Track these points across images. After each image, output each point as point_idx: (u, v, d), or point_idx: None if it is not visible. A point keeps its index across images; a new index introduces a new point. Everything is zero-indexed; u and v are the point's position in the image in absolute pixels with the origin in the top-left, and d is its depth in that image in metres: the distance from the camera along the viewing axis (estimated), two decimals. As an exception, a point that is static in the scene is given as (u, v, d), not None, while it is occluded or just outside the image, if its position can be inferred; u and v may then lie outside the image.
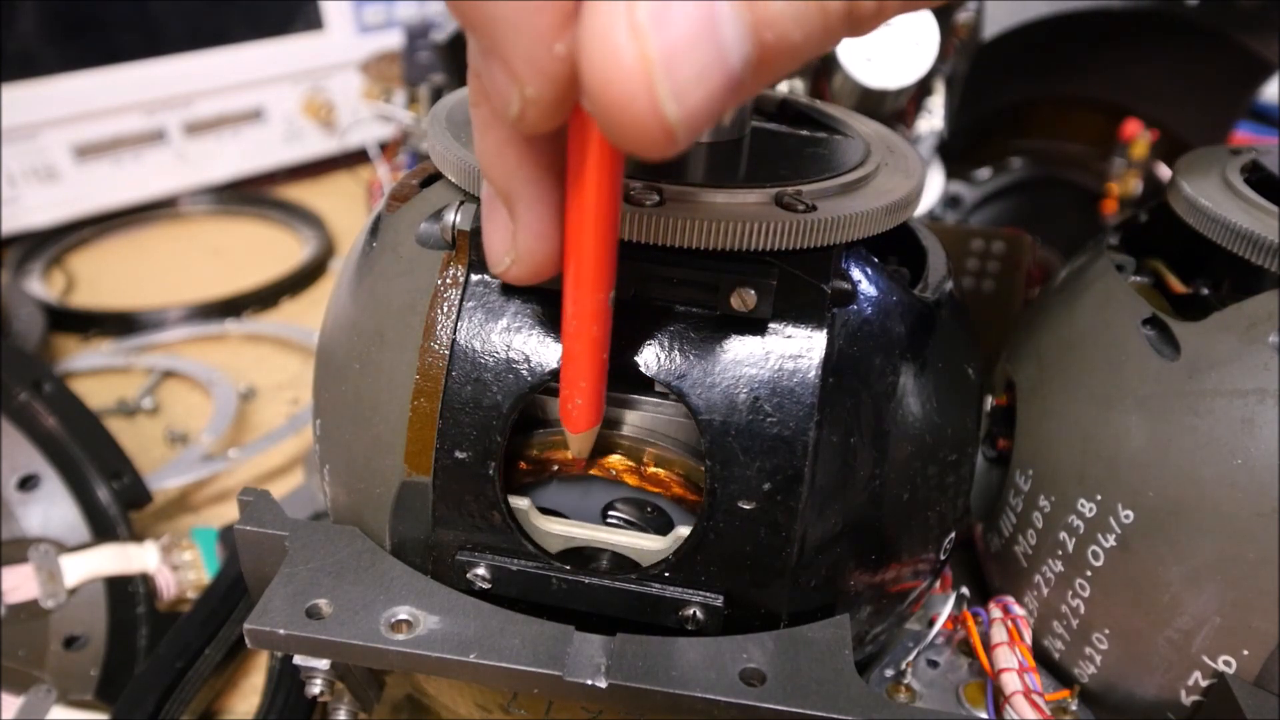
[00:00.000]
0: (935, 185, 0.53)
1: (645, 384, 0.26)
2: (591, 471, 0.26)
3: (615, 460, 0.26)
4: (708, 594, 0.25)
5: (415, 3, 0.91)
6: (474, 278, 0.25)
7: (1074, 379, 0.32)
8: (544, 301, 0.25)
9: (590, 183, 0.19)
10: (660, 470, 0.26)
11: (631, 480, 0.26)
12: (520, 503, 0.26)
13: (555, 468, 0.27)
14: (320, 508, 0.47)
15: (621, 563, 0.27)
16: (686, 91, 0.15)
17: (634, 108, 0.15)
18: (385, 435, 0.26)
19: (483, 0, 0.16)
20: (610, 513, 0.28)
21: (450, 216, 0.26)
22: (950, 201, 0.57)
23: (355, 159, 0.85)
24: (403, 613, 0.24)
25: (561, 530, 0.26)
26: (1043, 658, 0.33)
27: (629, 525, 0.27)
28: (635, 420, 0.27)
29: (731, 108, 0.16)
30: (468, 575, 0.26)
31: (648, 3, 0.14)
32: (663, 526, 0.27)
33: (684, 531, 0.26)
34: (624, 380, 0.26)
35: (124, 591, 0.40)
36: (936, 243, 0.32)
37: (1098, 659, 0.31)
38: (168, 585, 0.42)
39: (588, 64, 0.15)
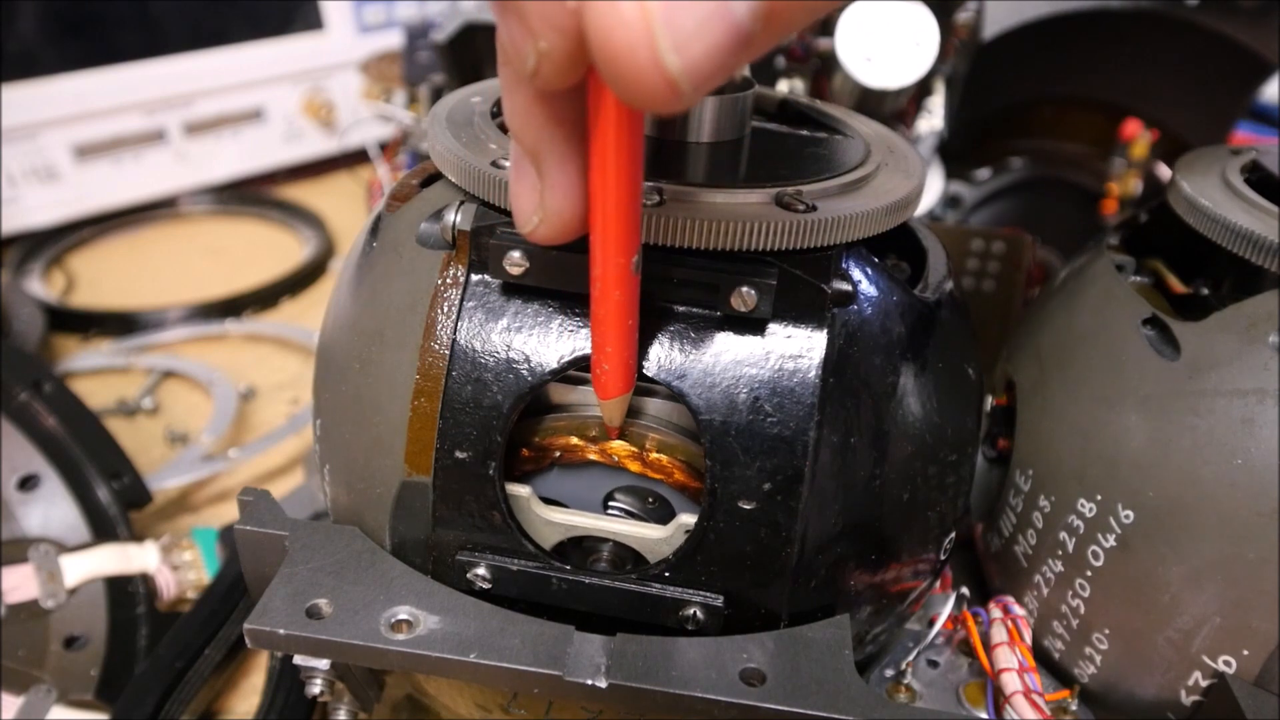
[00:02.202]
0: (935, 185, 0.53)
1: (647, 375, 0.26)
2: (593, 458, 0.26)
3: (617, 446, 0.26)
4: (708, 594, 0.25)
5: (415, 2, 0.91)
6: (474, 278, 0.25)
7: (1074, 379, 0.32)
8: (544, 301, 0.25)
9: (609, 144, 0.19)
10: (662, 456, 0.26)
11: (634, 466, 0.26)
12: (521, 491, 0.26)
13: (557, 454, 0.27)
14: (320, 508, 0.47)
15: (623, 555, 0.27)
16: (688, 43, 0.15)
17: (635, 60, 0.15)
18: (385, 435, 0.26)
19: None
20: (611, 503, 0.28)
21: (450, 216, 0.26)
22: (950, 201, 0.57)
23: (355, 159, 0.85)
24: (403, 613, 0.24)
25: (563, 519, 0.26)
26: (1043, 658, 0.33)
27: (630, 515, 0.27)
28: (638, 406, 0.27)
29: (743, 62, 0.16)
30: (468, 575, 0.26)
31: None
32: (664, 517, 0.27)
33: (685, 519, 0.26)
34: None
35: (124, 591, 0.40)
36: (937, 243, 0.32)
37: (1098, 659, 0.31)
38: (168, 585, 0.42)
39: (591, 16, 0.15)
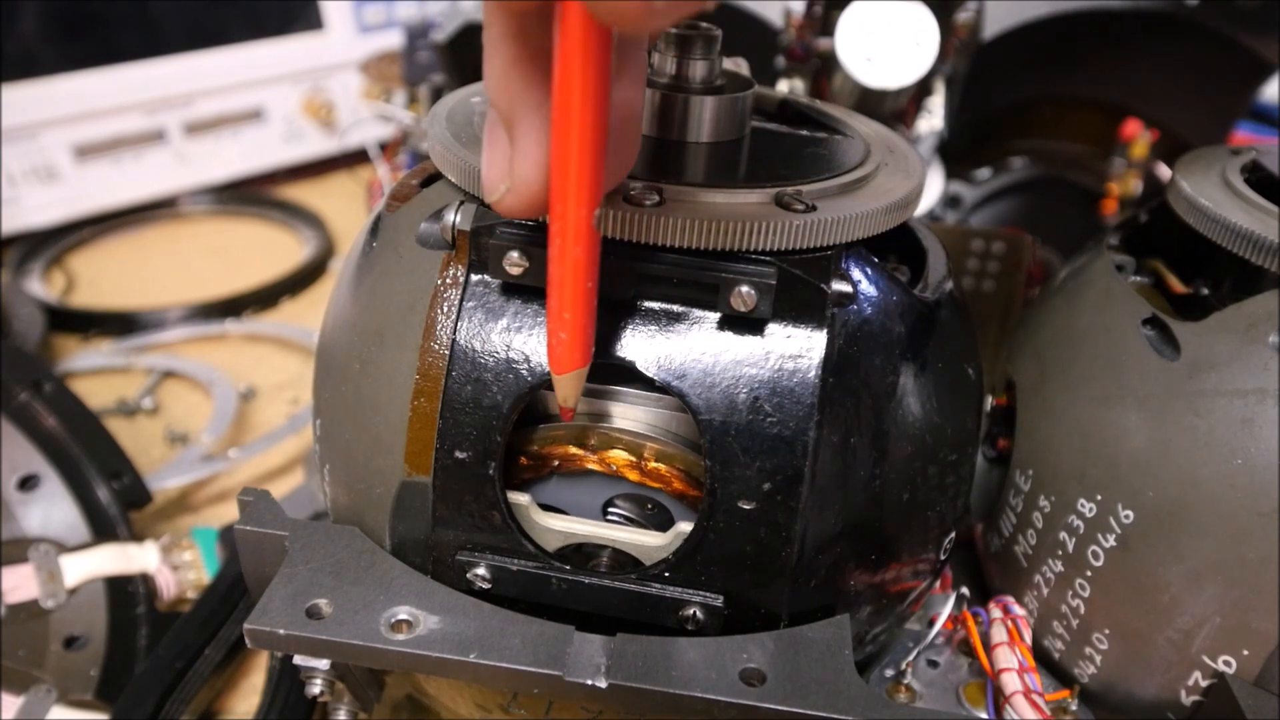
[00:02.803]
0: (935, 185, 0.53)
1: (646, 381, 0.26)
2: (592, 467, 0.26)
3: (616, 455, 0.26)
4: (708, 594, 0.25)
5: (415, 2, 0.91)
6: (474, 278, 0.25)
7: (1074, 379, 0.32)
8: (544, 301, 0.25)
9: (573, 74, 0.18)
10: (661, 465, 0.26)
11: (632, 476, 0.26)
12: (520, 499, 0.26)
13: (556, 463, 0.27)
14: (320, 508, 0.47)
15: (622, 560, 0.27)
16: None
17: None
18: (385, 435, 0.26)
19: None
20: (610, 509, 0.28)
21: (450, 216, 0.26)
22: (950, 201, 0.57)
23: (355, 159, 0.85)
24: (403, 613, 0.24)
25: (562, 527, 0.26)
26: (1043, 658, 0.33)
27: (629, 522, 0.27)
28: (636, 415, 0.27)
29: None
30: (468, 575, 0.26)
31: None
32: (663, 523, 0.27)
33: (684, 528, 0.26)
34: (624, 379, 0.26)
35: (124, 591, 0.40)
36: (937, 243, 0.32)
37: (1098, 659, 0.31)
38: (168, 585, 0.42)
39: None
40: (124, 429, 0.56)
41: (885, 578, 0.28)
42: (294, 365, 0.65)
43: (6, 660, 0.37)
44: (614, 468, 0.26)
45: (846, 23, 0.40)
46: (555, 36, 0.18)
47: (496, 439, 0.25)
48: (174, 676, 0.36)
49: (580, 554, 0.27)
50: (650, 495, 0.27)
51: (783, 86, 0.48)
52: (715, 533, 0.25)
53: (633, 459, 0.26)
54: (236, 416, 0.57)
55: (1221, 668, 0.28)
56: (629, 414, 0.27)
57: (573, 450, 0.26)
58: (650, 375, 0.24)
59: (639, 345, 0.25)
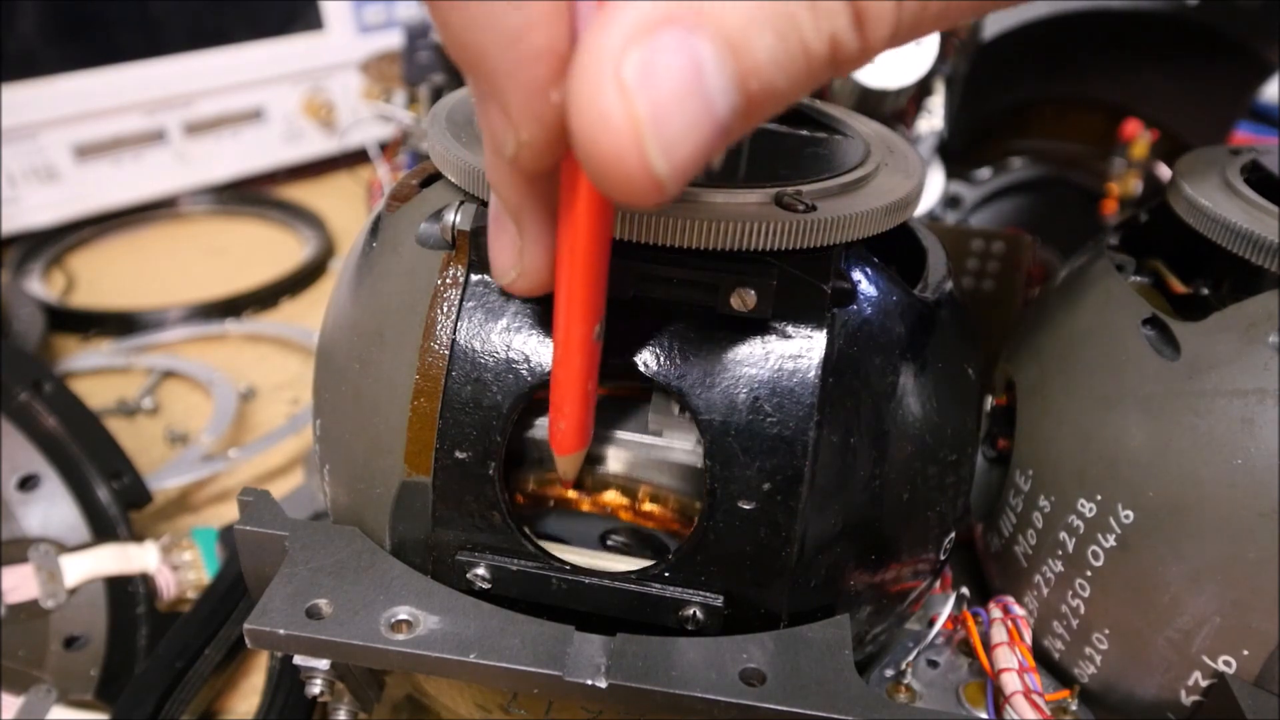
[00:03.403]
0: (935, 185, 0.53)
1: (645, 383, 0.26)
2: (586, 509, 0.27)
3: (610, 498, 0.27)
4: (708, 594, 0.25)
5: (415, 2, 0.91)
6: (474, 278, 0.25)
7: (1074, 379, 0.32)
8: (544, 302, 0.25)
9: (579, 226, 0.19)
10: (655, 508, 0.26)
11: (626, 516, 0.27)
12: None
13: (552, 503, 0.27)
14: (320, 508, 0.47)
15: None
16: (675, 146, 0.15)
17: (623, 165, 0.15)
18: (385, 435, 0.26)
19: (480, 48, 0.16)
20: (610, 537, 0.28)
21: (450, 216, 0.26)
22: (950, 201, 0.57)
23: (355, 159, 0.85)
24: (403, 613, 0.24)
25: (563, 558, 0.27)
26: (1043, 658, 0.33)
27: (627, 550, 0.27)
28: (629, 459, 0.27)
29: (719, 154, 0.16)
30: (468, 575, 0.26)
31: (634, 57, 0.15)
32: (661, 549, 0.27)
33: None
34: (624, 380, 0.26)
35: (124, 591, 0.40)
36: (936, 243, 0.32)
37: (1098, 659, 0.31)
38: (168, 585, 0.42)
39: (577, 122, 0.15)
40: (124, 429, 0.56)
41: (885, 578, 0.28)
42: (294, 365, 0.65)
43: (6, 660, 0.37)
44: (609, 509, 0.27)
45: (846, 23, 0.40)
46: (563, 190, 0.19)
47: (496, 439, 0.25)
48: (174, 676, 0.36)
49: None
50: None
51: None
52: (715, 533, 0.25)
53: (626, 501, 0.27)
54: (236, 416, 0.57)
55: (1221, 668, 0.28)
56: (623, 458, 0.27)
57: (559, 475, 0.27)
58: (650, 375, 0.24)
59: (638, 345, 0.25)
